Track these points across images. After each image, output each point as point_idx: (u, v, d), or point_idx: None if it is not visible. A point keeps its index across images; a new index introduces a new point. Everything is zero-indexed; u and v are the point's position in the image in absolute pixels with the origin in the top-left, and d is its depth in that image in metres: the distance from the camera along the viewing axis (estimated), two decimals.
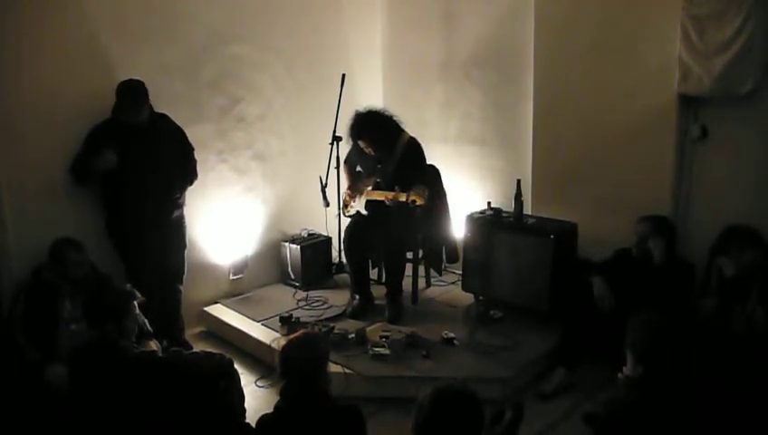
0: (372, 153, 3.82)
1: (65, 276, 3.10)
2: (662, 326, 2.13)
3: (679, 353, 2.08)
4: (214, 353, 2.67)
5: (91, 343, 2.54)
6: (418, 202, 3.52)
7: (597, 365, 3.13)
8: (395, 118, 3.87)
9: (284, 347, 2.22)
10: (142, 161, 3.39)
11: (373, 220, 3.91)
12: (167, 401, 2.37)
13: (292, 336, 2.35)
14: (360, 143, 3.82)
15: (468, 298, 4.13)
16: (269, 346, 3.53)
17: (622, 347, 2.18)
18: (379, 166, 3.86)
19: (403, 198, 3.58)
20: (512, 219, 3.89)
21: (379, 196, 3.81)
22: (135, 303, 2.65)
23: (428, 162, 4.04)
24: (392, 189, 3.67)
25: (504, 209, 3.99)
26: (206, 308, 4.15)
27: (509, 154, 4.38)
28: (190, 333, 4.01)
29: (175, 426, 2.34)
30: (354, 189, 4.01)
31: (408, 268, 4.08)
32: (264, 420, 2.15)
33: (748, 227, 2.96)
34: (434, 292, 4.35)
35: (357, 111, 3.83)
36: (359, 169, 4.07)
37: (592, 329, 3.18)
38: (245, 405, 2.71)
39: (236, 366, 2.68)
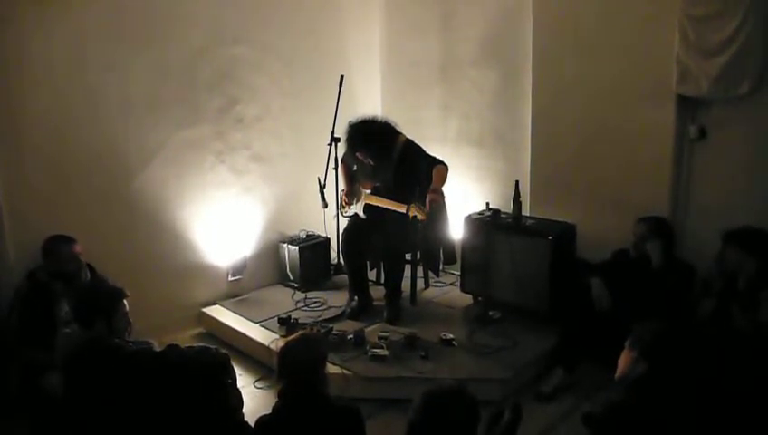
0: (371, 163, 3.77)
1: (59, 273, 3.09)
2: (671, 324, 2.15)
3: (683, 353, 2.08)
4: (209, 347, 2.66)
5: (84, 345, 2.53)
6: (419, 217, 3.50)
7: (595, 366, 3.12)
8: (389, 122, 3.80)
9: (283, 348, 2.22)
10: None
11: (371, 221, 3.90)
12: (163, 396, 2.37)
13: (290, 337, 2.35)
14: (358, 155, 3.78)
15: (467, 299, 4.13)
16: (267, 347, 3.53)
17: (621, 348, 2.17)
18: (374, 169, 3.83)
19: (403, 209, 3.57)
20: (510, 220, 3.89)
21: (377, 202, 3.80)
22: (124, 301, 2.64)
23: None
24: (391, 195, 3.65)
25: (503, 210, 3.99)
26: (204, 309, 4.15)
27: (507, 155, 4.38)
28: (189, 334, 4.01)
29: (171, 421, 2.34)
30: (351, 195, 4.00)
31: (407, 269, 4.07)
32: (262, 421, 2.15)
33: (760, 231, 2.93)
34: (432, 293, 4.34)
35: (350, 122, 3.75)
36: (355, 168, 4.06)
37: (591, 330, 3.18)
38: (244, 407, 2.69)
39: (235, 368, 2.67)
